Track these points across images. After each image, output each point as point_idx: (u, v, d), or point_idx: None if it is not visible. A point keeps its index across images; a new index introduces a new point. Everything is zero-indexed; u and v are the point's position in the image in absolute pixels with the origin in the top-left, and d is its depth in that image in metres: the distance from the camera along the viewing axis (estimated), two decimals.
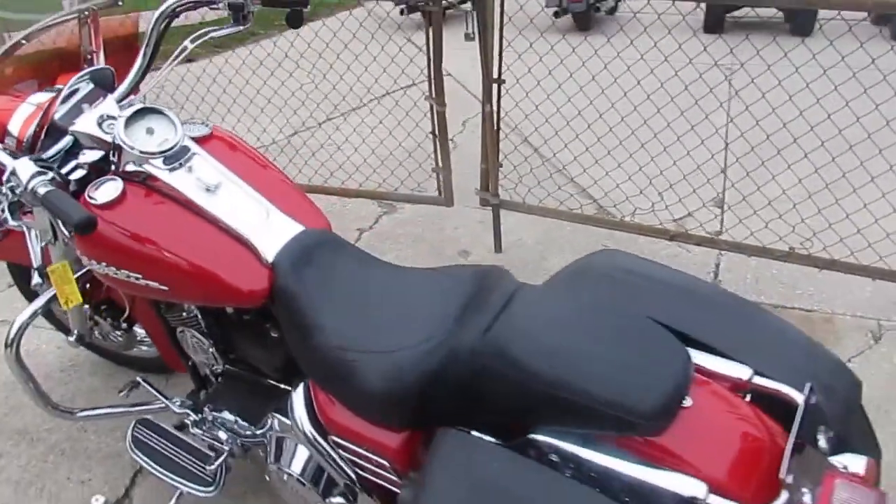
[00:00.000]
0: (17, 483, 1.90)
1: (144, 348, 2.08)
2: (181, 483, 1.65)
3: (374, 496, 1.38)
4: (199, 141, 1.52)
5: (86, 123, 1.49)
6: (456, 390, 1.18)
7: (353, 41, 3.37)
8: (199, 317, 1.58)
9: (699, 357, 1.19)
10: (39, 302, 1.62)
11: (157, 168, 1.42)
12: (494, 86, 2.75)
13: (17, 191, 1.24)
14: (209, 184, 1.43)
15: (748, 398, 1.19)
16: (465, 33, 2.77)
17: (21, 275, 2.17)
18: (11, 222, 1.34)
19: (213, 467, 1.64)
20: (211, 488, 1.65)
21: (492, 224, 3.02)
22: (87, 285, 1.75)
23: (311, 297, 1.35)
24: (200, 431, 1.72)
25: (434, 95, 2.88)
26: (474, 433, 1.16)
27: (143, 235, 1.40)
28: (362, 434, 1.31)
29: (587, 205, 3.24)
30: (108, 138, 1.46)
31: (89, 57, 1.67)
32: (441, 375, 1.17)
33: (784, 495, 0.99)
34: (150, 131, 1.44)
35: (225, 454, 1.65)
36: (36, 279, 1.35)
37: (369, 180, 3.27)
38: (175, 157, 1.44)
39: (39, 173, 1.24)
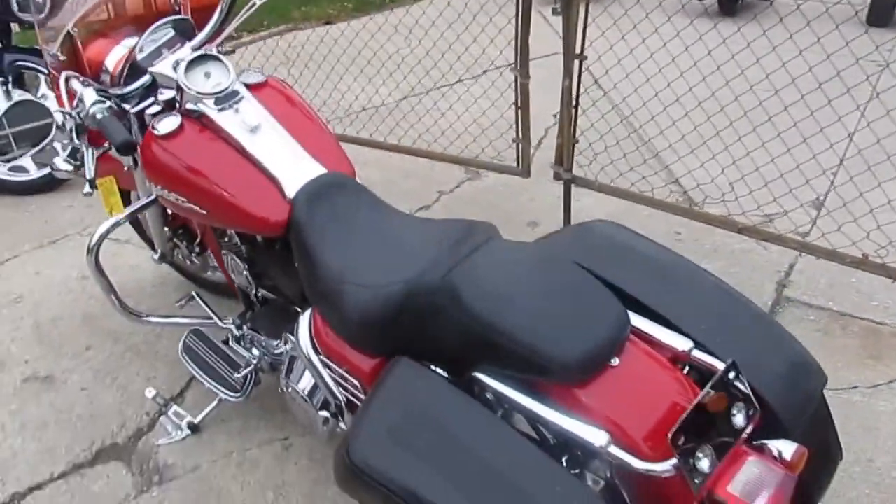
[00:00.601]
0: (97, 371, 2.24)
1: (218, 273, 2.36)
2: (214, 386, 1.90)
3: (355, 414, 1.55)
4: (251, 88, 1.72)
5: (162, 66, 1.73)
6: (414, 324, 1.30)
7: (480, 13, 3.42)
8: (239, 242, 1.80)
9: (643, 323, 1.25)
10: (118, 217, 1.91)
11: (209, 107, 1.64)
12: (576, 62, 2.78)
13: (82, 114, 1.49)
14: (251, 125, 1.63)
15: (686, 370, 1.23)
16: (552, 8, 2.80)
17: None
18: (76, 141, 1.60)
19: (239, 376, 1.87)
20: (237, 394, 1.88)
21: (559, 193, 3.06)
22: (170, 211, 2.03)
23: (318, 231, 1.52)
24: (239, 347, 1.96)
25: (518, 67, 2.95)
26: (425, 364, 1.29)
27: (191, 164, 1.62)
28: (345, 357, 1.47)
29: (666, 190, 3.20)
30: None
31: (177, 9, 1.91)
32: (403, 310, 1.30)
33: (675, 458, 1.04)
34: (207, 75, 1.66)
35: (252, 367, 1.87)
36: (87, 189, 1.60)
37: (453, 145, 3.39)
38: (225, 99, 1.65)
39: (99, 101, 1.48)
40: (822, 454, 1.32)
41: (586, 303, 1.22)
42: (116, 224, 1.87)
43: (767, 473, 1.09)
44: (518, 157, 3.17)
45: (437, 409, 1.18)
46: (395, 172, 3.64)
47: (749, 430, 1.12)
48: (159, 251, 2.22)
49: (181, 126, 1.65)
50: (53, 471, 1.90)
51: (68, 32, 1.73)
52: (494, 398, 1.24)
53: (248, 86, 1.72)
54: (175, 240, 2.23)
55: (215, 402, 1.98)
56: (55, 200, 3.28)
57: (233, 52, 2.18)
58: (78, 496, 1.83)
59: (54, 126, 1.54)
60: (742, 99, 2.76)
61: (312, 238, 1.51)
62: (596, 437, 1.10)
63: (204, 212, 1.65)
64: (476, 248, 1.34)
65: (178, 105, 1.71)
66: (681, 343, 1.22)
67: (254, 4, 1.82)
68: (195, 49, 1.78)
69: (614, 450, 1.09)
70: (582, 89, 2.85)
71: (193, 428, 1.98)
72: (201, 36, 1.82)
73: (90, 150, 1.61)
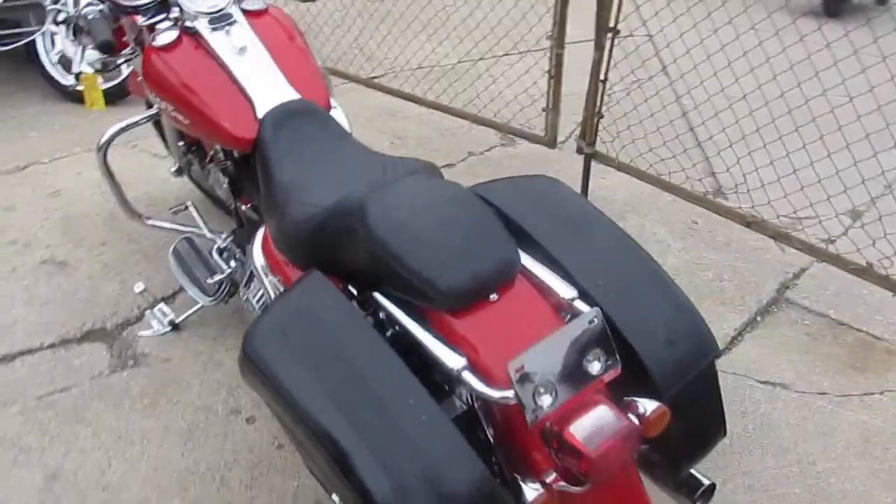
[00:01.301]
0: (105, 265, 2.45)
1: None
2: (190, 287, 2.06)
3: None
4: (249, 14, 1.84)
5: None
6: (332, 243, 1.39)
7: None
8: (222, 157, 1.93)
9: (535, 267, 1.29)
10: (130, 119, 2.07)
11: (202, 26, 1.76)
12: (608, 35, 2.76)
13: (77, 13, 1.65)
14: (238, 47, 1.75)
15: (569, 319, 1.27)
16: None
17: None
18: (70, 36, 1.77)
19: (213, 282, 2.02)
20: (209, 299, 2.04)
21: (594, 173, 3.07)
22: None
23: (277, 151, 1.62)
24: (220, 258, 2.11)
25: (555, 36, 2.96)
26: (337, 280, 1.37)
27: (180, 76, 1.76)
28: (281, 269, 1.58)
29: (685, 176, 3.13)
30: None
31: None
32: (324, 228, 1.39)
33: (513, 390, 1.08)
34: None
35: (225, 275, 2.02)
36: (72, 80, 1.77)
37: (487, 108, 3.43)
38: (219, 19, 1.77)
39: (92, 3, 1.63)
40: (698, 425, 1.34)
41: (479, 240, 1.27)
42: (123, 129, 2.04)
43: (613, 422, 1.12)
44: (546, 126, 3.19)
45: (326, 318, 1.25)
46: (433, 130, 3.72)
47: (603, 378, 1.15)
48: (176, 164, 2.39)
49: (178, 41, 1.78)
50: (44, 341, 2.11)
51: None
52: (387, 318, 1.32)
53: (246, 11, 1.84)
54: (189, 155, 2.40)
55: (198, 307, 2.14)
56: (114, 113, 3.52)
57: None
58: (59, 366, 2.03)
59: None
60: (810, 103, 2.51)
61: (271, 157, 1.62)
62: (454, 361, 1.16)
63: (187, 122, 1.78)
64: (399, 179, 1.41)
65: (179, 22, 1.84)
66: (565, 291, 1.26)
67: None
68: None
69: (467, 374, 1.15)
70: (646, 74, 2.77)
71: (174, 326, 2.15)
72: None
73: (81, 48, 1.77)
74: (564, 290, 1.27)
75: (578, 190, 3.08)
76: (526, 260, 1.31)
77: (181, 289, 2.33)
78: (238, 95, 1.72)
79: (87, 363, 2.04)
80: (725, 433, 1.38)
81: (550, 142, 3.18)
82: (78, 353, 2.08)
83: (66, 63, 1.77)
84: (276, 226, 1.55)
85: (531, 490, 1.12)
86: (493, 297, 1.24)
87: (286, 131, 1.65)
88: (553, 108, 3.11)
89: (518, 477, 1.16)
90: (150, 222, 2.23)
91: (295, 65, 1.80)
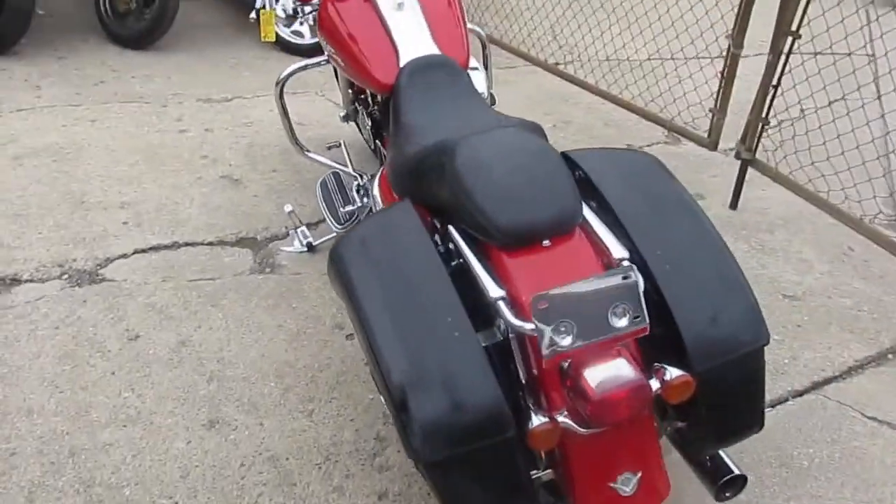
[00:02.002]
0: (271, 188, 2.79)
1: None
2: (326, 214, 2.32)
3: None
4: None
5: None
6: (426, 178, 1.54)
7: None
8: (370, 101, 2.16)
9: (598, 226, 1.35)
10: (305, 61, 2.37)
11: None
12: (788, 39, 2.64)
13: None
14: (397, 3, 1.96)
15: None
16: None
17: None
18: None
19: (345, 211, 2.27)
20: (339, 226, 2.29)
21: (753, 181, 2.96)
22: None
23: (408, 96, 1.80)
24: (357, 194, 2.36)
25: (734, 35, 2.88)
26: (425, 210, 1.52)
27: (345, 24, 2.00)
28: (389, 200, 1.77)
29: (843, 198, 2.90)
30: None
31: None
32: (422, 164, 1.54)
33: (533, 323, 1.17)
34: None
35: (356, 207, 2.26)
36: (253, 15, 2.07)
37: (653, 103, 3.39)
38: None
39: None
40: (731, 410, 1.32)
41: (544, 190, 1.35)
42: (298, 69, 2.34)
43: (626, 374, 1.17)
44: (710, 128, 3.11)
45: (400, 238, 1.39)
46: (599, 119, 3.74)
47: (627, 333, 1.19)
48: (344, 111, 2.67)
49: None
50: (206, 238, 2.48)
51: None
52: (454, 248, 1.45)
53: None
54: (356, 103, 2.67)
55: (332, 234, 2.41)
56: None
57: None
58: (212, 260, 2.38)
59: None
60: None
61: (401, 101, 1.80)
62: (494, 291, 1.27)
63: (343, 64, 2.03)
64: (494, 129, 1.52)
65: None
66: (618, 251, 1.31)
67: None
68: None
69: (501, 304, 1.25)
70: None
71: (310, 247, 2.43)
72: None
73: None
74: (617, 251, 1.32)
75: (730, 198, 2.99)
76: (592, 219, 1.38)
77: (323, 219, 2.62)
78: (388, 45, 1.92)
79: (234, 262, 2.38)
80: (762, 427, 1.36)
81: (712, 144, 3.09)
82: (229, 253, 2.43)
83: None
84: (390, 161, 1.73)
85: (537, 419, 1.21)
86: (546, 242, 1.32)
87: (419, 80, 1.82)
88: (720, 109, 3.03)
89: (532, 407, 1.25)
90: (309, 155, 2.53)
91: (443, 25, 1.97)
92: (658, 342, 1.30)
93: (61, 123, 3.14)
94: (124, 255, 2.37)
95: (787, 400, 2.05)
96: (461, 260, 1.43)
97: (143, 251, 2.40)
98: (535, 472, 1.37)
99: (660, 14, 3.61)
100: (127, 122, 3.22)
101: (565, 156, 1.52)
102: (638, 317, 1.20)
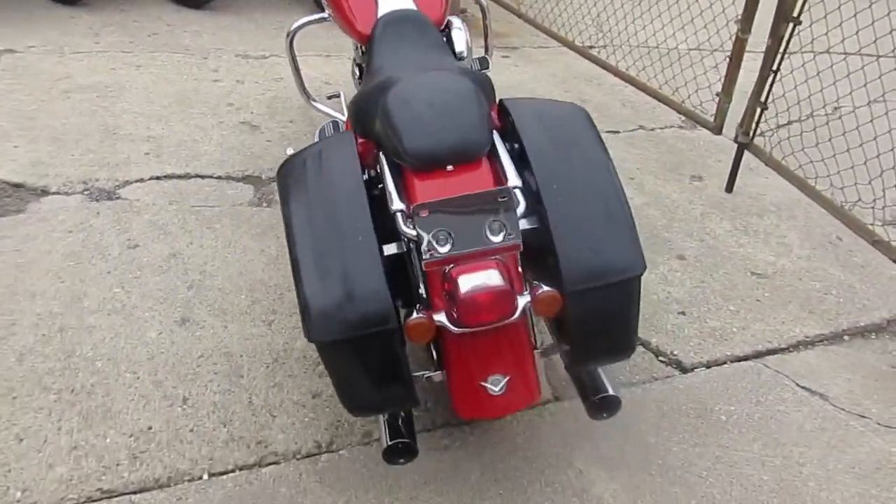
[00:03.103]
0: (283, 136, 3.02)
1: None
2: None
3: None
4: None
5: None
6: (369, 110, 1.70)
7: None
8: (357, 52, 2.34)
9: (505, 160, 1.50)
10: (311, 17, 2.56)
11: None
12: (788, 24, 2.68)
13: None
14: None
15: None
16: None
17: None
18: None
19: None
20: None
21: (752, 165, 3.00)
22: None
23: (378, 44, 1.98)
24: None
25: (742, 21, 2.92)
26: (366, 140, 1.68)
27: None
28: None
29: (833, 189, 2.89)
30: None
31: None
32: (367, 99, 1.71)
33: (416, 230, 1.33)
34: None
35: None
36: None
37: (668, 84, 3.44)
38: None
39: None
40: (603, 333, 1.44)
41: (455, 122, 1.50)
42: (306, 23, 2.53)
43: (493, 281, 1.32)
44: (716, 112, 3.15)
45: (332, 161, 1.54)
46: (617, 99, 3.82)
47: (499, 247, 1.33)
48: (354, 71, 2.87)
49: None
50: (215, 172, 2.73)
51: None
52: (380, 170, 1.62)
53: None
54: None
55: None
56: None
57: None
58: (217, 191, 2.62)
59: None
60: None
61: (374, 50, 1.98)
62: (395, 204, 1.44)
63: (333, 15, 2.22)
64: (430, 71, 1.68)
65: None
66: (513, 178, 1.46)
67: None
68: None
69: (398, 216, 1.42)
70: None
71: None
72: None
73: None
74: (514, 180, 1.46)
75: (725, 183, 3.04)
76: (502, 154, 1.52)
77: None
78: (371, 1, 2.10)
79: (236, 195, 2.62)
80: (632, 351, 1.48)
81: (717, 128, 3.14)
82: (233, 187, 2.66)
83: None
84: (350, 100, 1.91)
85: (414, 316, 1.37)
86: (450, 168, 1.48)
87: (391, 32, 2.00)
88: (725, 93, 3.07)
89: (416, 308, 1.41)
90: (314, 104, 2.74)
91: None
92: (542, 266, 1.44)
93: (111, 66, 3.46)
94: (141, 180, 2.64)
95: (724, 363, 2.14)
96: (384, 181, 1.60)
97: (158, 178, 2.66)
98: (428, 371, 1.54)
99: (702, 8, 3.60)
100: (169, 69, 3.51)
101: (501, 103, 1.67)
102: (512, 234, 1.35)
